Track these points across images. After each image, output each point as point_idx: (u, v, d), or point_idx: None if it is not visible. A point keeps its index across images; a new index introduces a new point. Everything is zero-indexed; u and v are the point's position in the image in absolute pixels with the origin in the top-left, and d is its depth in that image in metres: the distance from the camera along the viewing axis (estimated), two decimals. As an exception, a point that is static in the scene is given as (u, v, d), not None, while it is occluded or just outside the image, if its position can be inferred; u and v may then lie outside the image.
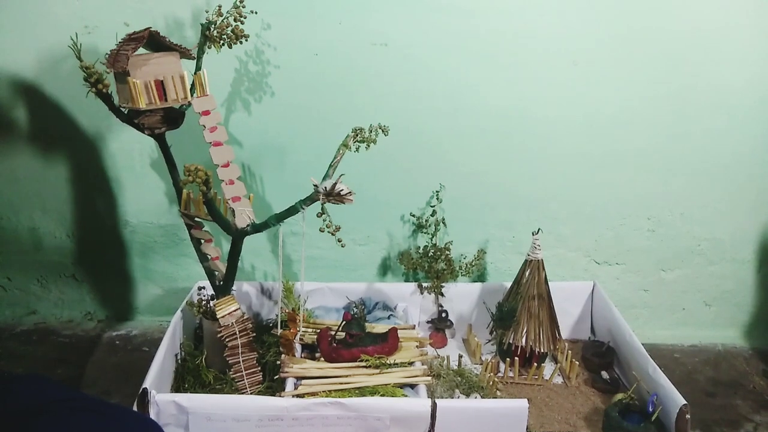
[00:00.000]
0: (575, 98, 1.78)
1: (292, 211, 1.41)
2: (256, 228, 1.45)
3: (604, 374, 1.74)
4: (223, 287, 1.58)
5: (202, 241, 1.58)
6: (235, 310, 1.55)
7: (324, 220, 1.38)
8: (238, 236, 1.46)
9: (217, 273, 1.59)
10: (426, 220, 1.90)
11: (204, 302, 1.66)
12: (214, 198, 1.36)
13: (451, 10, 1.67)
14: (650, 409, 1.50)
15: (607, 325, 1.85)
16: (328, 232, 1.38)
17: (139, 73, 1.31)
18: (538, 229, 1.72)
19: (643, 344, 1.64)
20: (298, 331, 1.62)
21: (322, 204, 1.38)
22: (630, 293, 2.04)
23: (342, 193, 1.34)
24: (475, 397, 1.60)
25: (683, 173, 1.88)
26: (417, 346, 1.68)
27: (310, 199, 1.38)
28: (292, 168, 1.84)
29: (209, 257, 1.59)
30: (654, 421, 1.48)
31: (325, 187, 1.34)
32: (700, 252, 1.98)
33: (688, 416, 1.41)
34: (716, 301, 2.05)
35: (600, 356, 1.79)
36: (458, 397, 1.61)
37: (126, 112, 1.38)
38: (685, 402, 1.42)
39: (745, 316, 2.05)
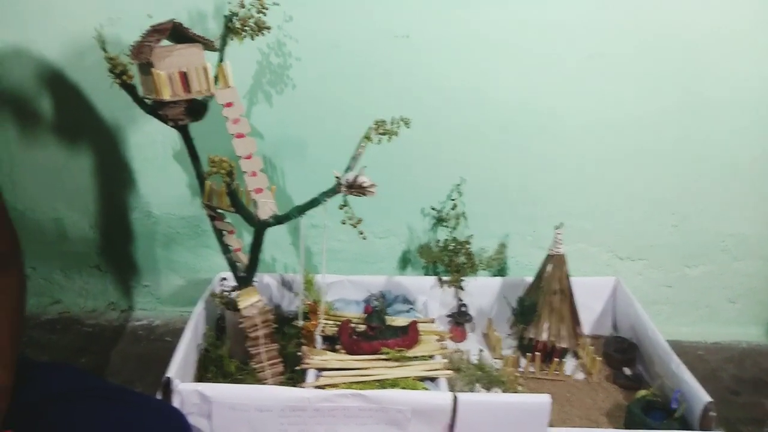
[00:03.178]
0: (598, 93, 1.76)
1: (314, 203, 1.40)
2: (278, 219, 1.45)
3: (627, 370, 1.72)
4: (245, 278, 1.58)
5: (225, 232, 1.59)
6: (257, 302, 1.55)
7: (346, 212, 1.38)
8: (260, 228, 1.46)
9: (239, 264, 1.60)
10: (446, 214, 1.89)
11: (226, 293, 1.67)
12: (237, 190, 1.36)
13: (473, 1, 1.66)
14: (674, 406, 1.48)
15: (630, 321, 1.83)
16: (350, 224, 1.38)
17: (162, 65, 1.31)
18: (561, 224, 1.70)
19: (666, 341, 1.62)
20: (320, 322, 1.62)
21: (344, 196, 1.37)
22: (653, 289, 2.02)
23: (364, 185, 1.34)
24: (496, 392, 1.59)
25: (708, 168, 1.85)
26: (437, 340, 1.68)
27: (332, 192, 1.38)
28: (313, 160, 1.84)
29: (231, 248, 1.59)
30: (677, 419, 1.46)
31: (348, 180, 1.34)
32: (725, 248, 1.95)
33: (712, 414, 1.39)
34: (741, 298, 2.01)
35: (622, 352, 1.77)
36: (479, 392, 1.60)
37: (150, 104, 1.39)
38: (710, 399, 1.40)
39: None
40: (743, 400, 1.73)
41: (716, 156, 1.84)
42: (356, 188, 1.35)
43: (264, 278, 1.85)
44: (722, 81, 1.74)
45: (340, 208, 1.37)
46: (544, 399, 1.38)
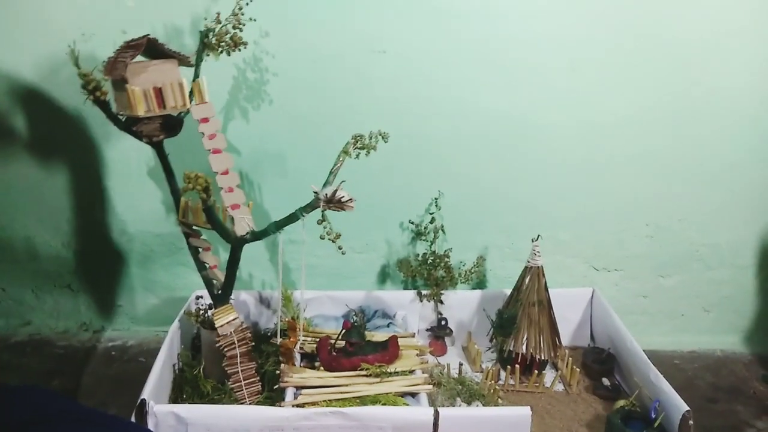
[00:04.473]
0: (574, 104, 1.79)
1: (292, 218, 1.40)
2: (255, 236, 1.44)
3: (605, 381, 1.73)
4: (221, 296, 1.56)
5: (201, 249, 1.57)
6: (233, 320, 1.53)
7: (324, 227, 1.37)
8: (237, 244, 1.45)
9: (215, 282, 1.57)
10: (425, 228, 1.89)
11: (202, 311, 1.64)
12: (214, 206, 1.34)
13: (449, 16, 1.68)
14: (653, 416, 1.49)
15: (607, 331, 1.84)
16: (329, 239, 1.37)
17: (137, 81, 1.30)
18: (538, 236, 1.71)
19: (643, 351, 1.64)
20: (298, 340, 1.60)
21: (322, 211, 1.37)
22: (629, 299, 2.04)
23: (343, 200, 1.34)
24: (477, 405, 1.58)
25: (681, 179, 1.89)
26: (417, 354, 1.67)
27: (310, 207, 1.37)
28: (291, 175, 1.84)
29: (207, 266, 1.57)
30: (656, 428, 1.47)
31: (326, 194, 1.34)
32: (699, 258, 1.98)
33: (691, 422, 1.40)
34: (715, 307, 2.04)
35: (600, 363, 1.79)
36: (460, 406, 1.60)
37: (124, 120, 1.37)
38: (688, 408, 1.41)
39: (744, 321, 2.05)
40: (720, 407, 1.75)
41: (689, 168, 1.87)
42: (335, 203, 1.35)
43: (241, 295, 1.83)
44: (696, 94, 1.78)
45: (319, 223, 1.37)
46: (524, 411, 1.38)
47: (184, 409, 1.35)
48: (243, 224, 1.42)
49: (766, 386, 1.85)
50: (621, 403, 1.60)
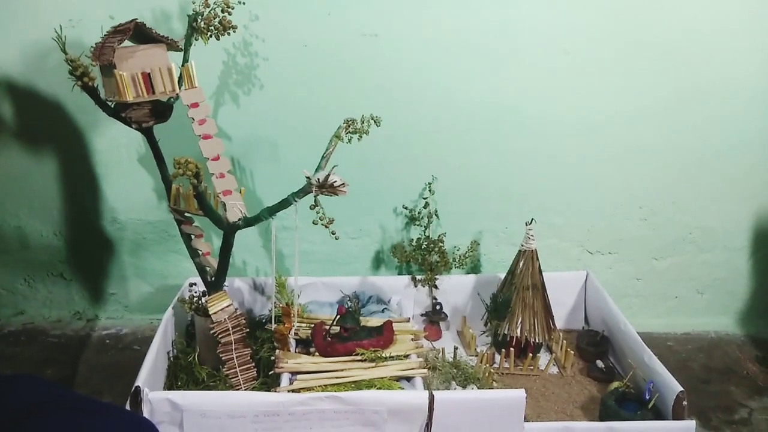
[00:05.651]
0: (567, 90, 1.78)
1: (284, 204, 1.38)
2: (248, 222, 1.43)
3: (599, 363, 1.74)
4: (214, 283, 1.55)
5: (193, 236, 1.56)
6: (227, 306, 1.52)
7: (317, 213, 1.36)
8: (229, 230, 1.44)
9: (208, 269, 1.57)
10: (419, 213, 1.88)
11: (195, 299, 1.63)
12: (205, 192, 1.33)
13: (441, 0, 1.66)
14: (647, 397, 1.49)
15: (601, 314, 1.85)
16: (322, 224, 1.36)
17: (125, 66, 1.28)
18: (532, 219, 1.71)
19: (637, 333, 1.64)
20: (293, 325, 1.60)
21: (315, 196, 1.35)
22: (623, 282, 2.04)
23: (335, 184, 1.32)
24: (472, 389, 1.59)
25: (675, 162, 1.88)
26: (412, 339, 1.67)
27: (302, 192, 1.36)
28: (282, 161, 1.82)
29: (200, 253, 1.56)
30: (651, 409, 1.48)
31: (318, 179, 1.32)
32: (692, 240, 1.99)
33: (684, 403, 1.41)
34: (708, 289, 2.05)
35: (595, 345, 1.79)
36: (455, 389, 1.60)
37: (113, 106, 1.35)
38: (682, 389, 1.41)
39: (738, 303, 2.06)
40: (713, 388, 1.76)
41: (683, 151, 1.86)
42: (327, 188, 1.33)
43: (235, 282, 1.82)
44: (690, 80, 1.77)
45: (312, 209, 1.36)
46: (519, 394, 1.38)
47: (179, 396, 1.34)
48: (235, 210, 1.41)
49: (759, 367, 1.86)
50: (615, 384, 1.61)
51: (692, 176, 1.90)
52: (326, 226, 1.36)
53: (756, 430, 1.59)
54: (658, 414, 1.49)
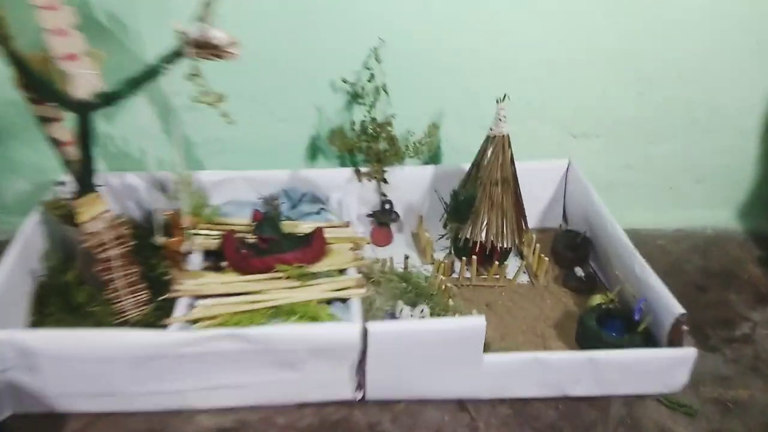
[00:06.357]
0: None
1: (152, 73, 0.99)
2: (106, 99, 1.03)
3: (579, 271, 1.51)
4: (83, 182, 1.19)
5: (48, 120, 1.16)
6: (102, 212, 1.18)
7: (199, 86, 0.96)
8: (80, 111, 1.05)
9: (74, 163, 1.19)
10: (362, 88, 1.55)
11: (64, 202, 1.27)
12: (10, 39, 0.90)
13: None
14: (636, 317, 1.22)
15: (583, 211, 1.61)
16: (206, 102, 0.97)
17: None
18: (504, 96, 1.38)
19: (626, 235, 1.40)
20: (185, 237, 1.25)
21: (193, 61, 0.95)
22: (610, 171, 1.78)
23: (219, 43, 0.91)
24: (422, 310, 1.28)
25: (681, 27, 1.56)
26: (351, 249, 1.38)
27: (174, 55, 0.96)
28: (174, 10, 1.36)
29: (60, 142, 1.17)
30: (641, 332, 1.21)
31: (193, 35, 0.91)
32: (696, 120, 1.70)
33: (685, 328, 1.15)
34: (709, 178, 1.80)
35: (573, 249, 1.57)
36: (401, 310, 1.29)
37: None
38: (684, 311, 1.14)
39: (741, 193, 1.83)
40: (710, 297, 1.52)
41: (692, 15, 1.53)
42: (208, 48, 0.93)
43: (127, 178, 1.46)
44: None
45: (189, 80, 0.96)
46: (477, 323, 1.08)
47: (29, 335, 1.03)
48: (84, 83, 1.00)
49: (762, 269, 1.61)
50: (597, 299, 1.38)
51: (701, 43, 1.58)
52: (211, 105, 0.97)
53: (760, 350, 1.34)
54: (649, 339, 1.22)
